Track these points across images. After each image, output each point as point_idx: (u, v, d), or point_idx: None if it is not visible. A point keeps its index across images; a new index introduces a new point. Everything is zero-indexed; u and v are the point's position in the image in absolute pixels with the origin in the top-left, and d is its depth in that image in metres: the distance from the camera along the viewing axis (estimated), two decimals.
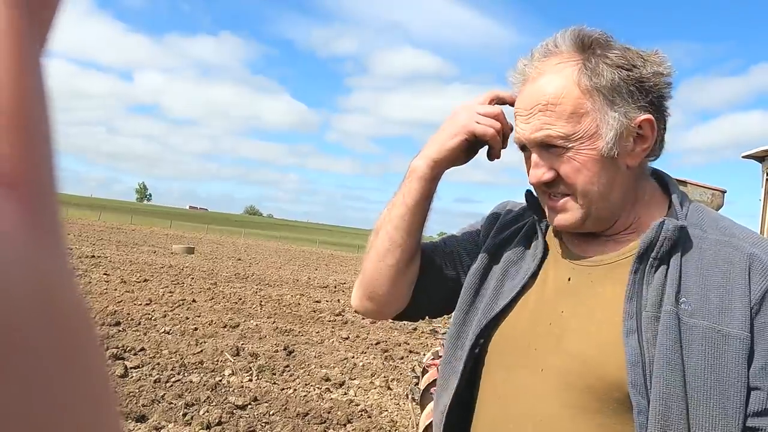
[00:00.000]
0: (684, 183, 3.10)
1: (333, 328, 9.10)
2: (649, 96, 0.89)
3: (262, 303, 10.76)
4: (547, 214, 0.96)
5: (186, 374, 5.57)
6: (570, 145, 0.87)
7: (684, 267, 0.85)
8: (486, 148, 1.02)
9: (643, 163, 0.93)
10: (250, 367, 6.04)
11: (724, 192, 3.11)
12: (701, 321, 0.80)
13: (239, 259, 22.38)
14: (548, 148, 0.89)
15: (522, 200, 1.06)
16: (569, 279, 0.94)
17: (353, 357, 7.17)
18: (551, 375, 0.88)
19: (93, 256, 15.10)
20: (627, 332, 0.83)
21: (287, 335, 8.05)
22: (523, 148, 0.95)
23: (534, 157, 0.91)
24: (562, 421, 0.86)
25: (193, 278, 13.40)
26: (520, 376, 0.92)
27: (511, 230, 1.06)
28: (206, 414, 4.60)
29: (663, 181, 0.99)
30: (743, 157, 5.74)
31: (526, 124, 0.91)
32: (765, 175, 5.10)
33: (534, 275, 0.98)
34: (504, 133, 1.00)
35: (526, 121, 0.91)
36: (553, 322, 0.91)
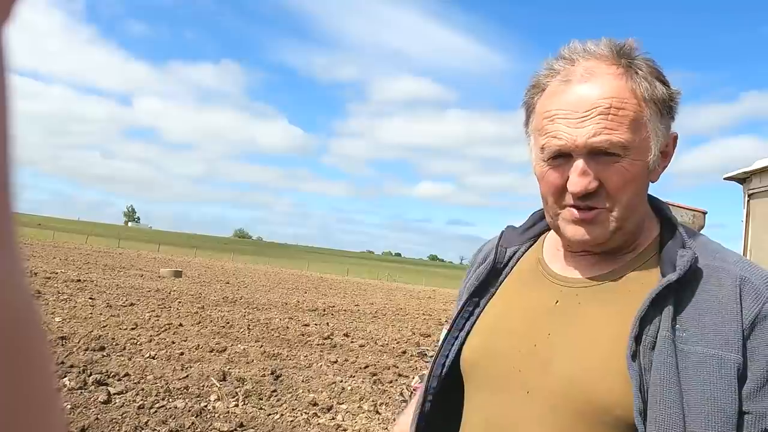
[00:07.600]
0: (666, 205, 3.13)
1: (321, 351, 9.00)
2: (672, 113, 0.89)
3: (250, 327, 10.63)
4: (563, 228, 0.90)
5: (171, 400, 5.47)
6: (627, 155, 0.83)
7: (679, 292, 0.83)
8: None
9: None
10: (237, 392, 5.95)
11: (704, 213, 3.15)
12: (697, 347, 0.78)
13: (227, 283, 22.18)
14: (599, 156, 0.84)
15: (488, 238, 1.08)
16: (557, 302, 0.92)
17: (341, 381, 7.09)
18: (537, 397, 0.86)
19: (79, 280, 14.90)
20: (632, 356, 0.79)
21: (275, 359, 7.96)
22: (558, 155, 0.87)
23: (580, 164, 0.84)
24: None
25: (180, 302, 13.24)
26: (504, 398, 0.90)
27: (484, 266, 1.06)
28: None
29: (651, 201, 0.97)
30: (725, 178, 5.81)
31: (577, 128, 0.84)
32: (746, 196, 5.17)
33: (493, 295, 1.00)
34: None
35: (579, 124, 0.84)
36: (539, 344, 0.89)
